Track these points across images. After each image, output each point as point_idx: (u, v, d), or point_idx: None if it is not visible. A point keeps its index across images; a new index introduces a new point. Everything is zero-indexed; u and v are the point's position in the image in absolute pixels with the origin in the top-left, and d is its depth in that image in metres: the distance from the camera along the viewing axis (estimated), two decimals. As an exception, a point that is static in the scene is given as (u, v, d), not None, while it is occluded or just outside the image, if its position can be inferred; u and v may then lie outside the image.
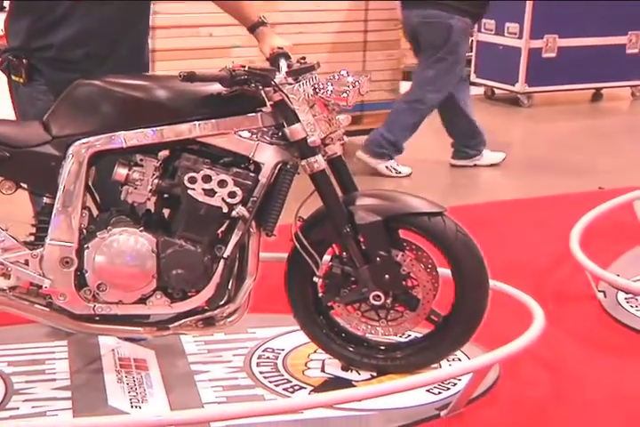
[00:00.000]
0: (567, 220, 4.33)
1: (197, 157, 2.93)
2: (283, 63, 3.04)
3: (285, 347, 3.40)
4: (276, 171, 2.97)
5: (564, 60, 7.61)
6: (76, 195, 2.90)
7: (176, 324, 3.03)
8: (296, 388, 3.13)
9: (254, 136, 2.95)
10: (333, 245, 3.14)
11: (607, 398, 3.11)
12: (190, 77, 2.82)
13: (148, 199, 2.99)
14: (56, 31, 3.12)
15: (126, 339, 3.37)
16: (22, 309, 2.98)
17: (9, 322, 3.38)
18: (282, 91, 2.92)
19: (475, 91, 7.06)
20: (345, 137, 3.09)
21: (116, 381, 3.13)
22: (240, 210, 2.92)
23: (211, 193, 2.91)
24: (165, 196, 2.99)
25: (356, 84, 2.99)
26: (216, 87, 2.91)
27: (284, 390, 3.11)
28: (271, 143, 2.96)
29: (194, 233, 2.95)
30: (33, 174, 2.97)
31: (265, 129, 2.96)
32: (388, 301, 3.10)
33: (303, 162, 2.97)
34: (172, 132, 2.91)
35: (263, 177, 2.95)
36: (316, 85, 2.97)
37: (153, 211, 3.04)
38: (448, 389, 3.12)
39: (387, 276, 3.06)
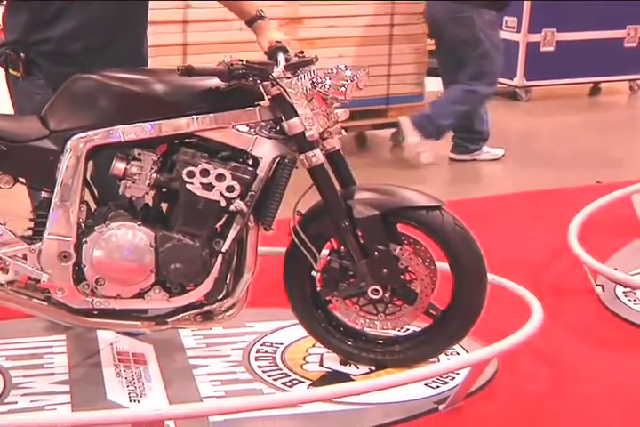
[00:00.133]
0: (565, 214, 4.33)
1: (195, 152, 2.93)
2: (281, 57, 3.04)
3: (284, 341, 3.40)
4: (275, 165, 2.97)
5: (562, 53, 7.61)
6: (74, 189, 2.90)
7: (174, 318, 3.03)
8: (294, 382, 3.13)
9: (252, 130, 2.95)
10: (331, 240, 3.14)
11: (605, 391, 3.11)
12: (188, 71, 2.82)
13: (147, 193, 2.99)
14: (54, 25, 3.12)
15: (125, 333, 3.37)
16: (20, 303, 2.98)
17: (7, 316, 3.38)
18: (280, 85, 2.92)
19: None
20: (343, 131, 3.09)
21: (114, 375, 3.14)
22: (238, 204, 2.92)
23: (209, 187, 2.91)
24: (163, 190, 2.99)
25: (355, 78, 2.99)
26: (214, 81, 2.91)
27: (283, 384, 3.12)
28: (269, 137, 2.96)
29: (192, 227, 2.95)
30: (31, 169, 2.96)
31: (263, 123, 2.96)
32: (387, 295, 3.10)
33: (301, 156, 2.97)
34: (170, 127, 2.91)
35: (261, 171, 2.95)
36: (314, 79, 2.97)
37: (151, 205, 3.04)
38: (446, 383, 3.12)
39: (385, 270, 3.06)
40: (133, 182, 2.94)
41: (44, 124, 2.93)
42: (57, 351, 3.30)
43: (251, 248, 3.00)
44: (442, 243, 3.08)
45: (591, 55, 7.67)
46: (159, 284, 2.98)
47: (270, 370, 3.20)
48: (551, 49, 7.62)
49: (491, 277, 3.19)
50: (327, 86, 2.96)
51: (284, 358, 3.29)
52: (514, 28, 7.59)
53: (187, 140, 2.98)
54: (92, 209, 3.01)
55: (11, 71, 3.22)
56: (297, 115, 2.93)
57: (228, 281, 3.03)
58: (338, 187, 3.09)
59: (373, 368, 3.19)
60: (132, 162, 2.93)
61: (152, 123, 2.90)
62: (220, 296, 3.03)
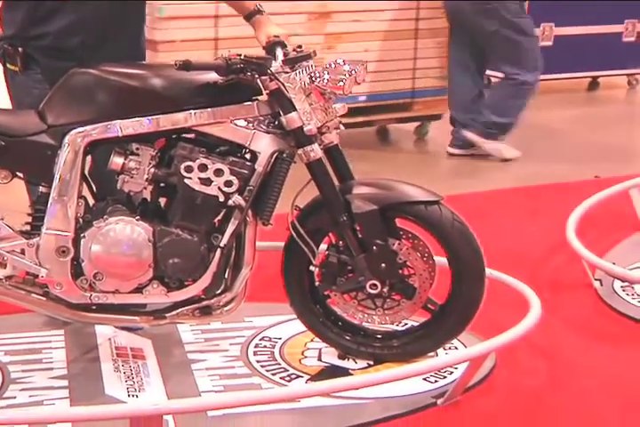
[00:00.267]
0: (564, 208, 4.33)
1: (193, 146, 2.93)
2: (279, 52, 3.03)
3: (282, 336, 3.41)
4: (273, 160, 2.97)
5: (560, 48, 7.59)
6: (71, 184, 2.90)
7: (173, 313, 3.03)
8: (293, 377, 3.13)
9: (250, 125, 2.95)
10: (330, 234, 3.14)
11: (603, 386, 3.12)
12: (186, 66, 2.82)
13: (145, 188, 2.99)
14: (52, 20, 3.12)
15: (123, 328, 3.36)
16: (19, 298, 2.98)
17: (5, 311, 3.38)
18: (278, 79, 2.92)
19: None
20: (341, 126, 3.09)
21: (112, 370, 3.14)
22: (236, 199, 2.92)
23: (207, 182, 2.91)
24: (162, 185, 2.99)
25: (353, 72, 2.99)
26: (212, 76, 2.91)
27: (281, 378, 3.12)
28: (267, 132, 2.95)
29: (190, 222, 2.95)
30: (29, 163, 2.96)
31: (261, 118, 2.96)
32: (385, 289, 3.10)
33: (299, 151, 2.97)
34: (168, 121, 2.91)
35: (259, 166, 2.94)
36: (313, 74, 2.96)
37: (149, 200, 3.04)
38: (445, 377, 3.12)
39: (383, 265, 3.06)
40: (131, 177, 2.93)
41: (41, 119, 2.93)
42: (55, 346, 3.30)
43: (249, 243, 3.00)
44: (440, 237, 3.08)
45: (589, 50, 7.66)
46: (157, 279, 2.98)
47: (269, 365, 3.20)
48: (549, 43, 7.61)
49: (489, 271, 3.19)
50: (325, 81, 2.96)
51: (283, 353, 3.29)
52: (512, 22, 7.57)
53: (185, 135, 2.98)
54: (90, 204, 3.01)
55: (8, 66, 3.22)
56: (295, 109, 2.93)
57: (226, 276, 3.03)
58: (336, 182, 3.09)
59: (372, 363, 3.19)
60: (130, 157, 2.93)
61: (150, 117, 2.90)
62: (219, 291, 3.03)
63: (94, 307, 3.01)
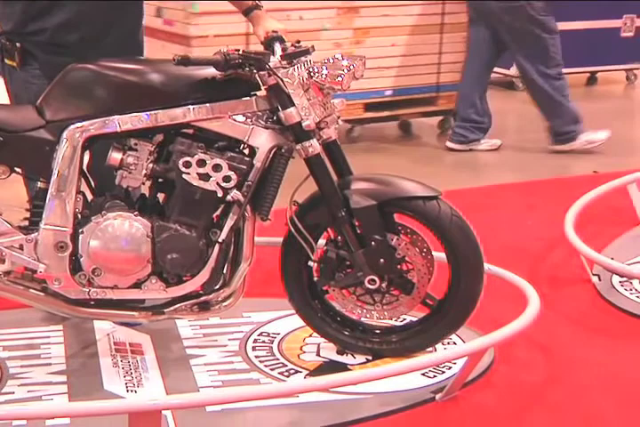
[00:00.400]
0: (562, 203, 4.34)
1: (192, 142, 2.93)
2: (277, 47, 3.03)
3: (281, 331, 3.41)
4: (271, 155, 2.97)
5: (558, 43, 7.59)
6: (70, 179, 2.90)
7: (171, 308, 3.03)
8: (291, 372, 3.14)
9: (249, 120, 2.94)
10: (328, 230, 3.14)
11: (601, 381, 3.12)
12: (184, 61, 2.82)
13: (143, 184, 2.99)
14: (50, 15, 3.11)
15: (122, 323, 3.37)
16: (17, 293, 2.98)
17: (4, 307, 3.38)
18: (276, 74, 2.91)
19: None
20: (340, 121, 3.09)
21: (111, 365, 3.14)
22: (235, 194, 2.92)
23: (205, 177, 2.91)
24: (160, 180, 2.99)
25: (351, 67, 2.98)
26: (210, 71, 2.90)
27: (280, 374, 3.12)
28: (266, 127, 2.95)
29: (189, 217, 2.95)
30: (27, 159, 2.96)
31: (259, 113, 2.95)
32: (384, 285, 3.10)
33: (298, 146, 2.97)
34: (166, 117, 2.90)
35: (258, 161, 2.94)
36: (311, 69, 2.96)
37: (147, 195, 3.04)
38: (443, 372, 3.13)
39: (382, 260, 3.06)
40: (130, 173, 2.93)
41: (40, 115, 2.93)
42: (54, 342, 3.30)
43: (247, 238, 3.00)
44: (439, 233, 3.08)
45: (588, 45, 7.66)
46: (156, 274, 2.98)
47: (267, 360, 3.21)
48: (548, 38, 7.60)
49: (487, 266, 3.20)
50: (324, 76, 2.95)
51: (281, 348, 3.29)
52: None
53: (183, 131, 2.97)
54: (89, 199, 3.01)
55: (6, 61, 3.22)
56: (293, 105, 2.93)
57: (224, 271, 3.03)
58: (334, 177, 3.09)
59: (370, 358, 3.20)
60: (129, 152, 2.93)
61: (148, 113, 2.89)
62: (217, 286, 3.03)
63: (93, 302, 3.00)
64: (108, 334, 3.34)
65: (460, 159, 5.88)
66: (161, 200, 3.05)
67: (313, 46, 3.06)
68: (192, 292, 3.03)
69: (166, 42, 5.63)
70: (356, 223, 3.08)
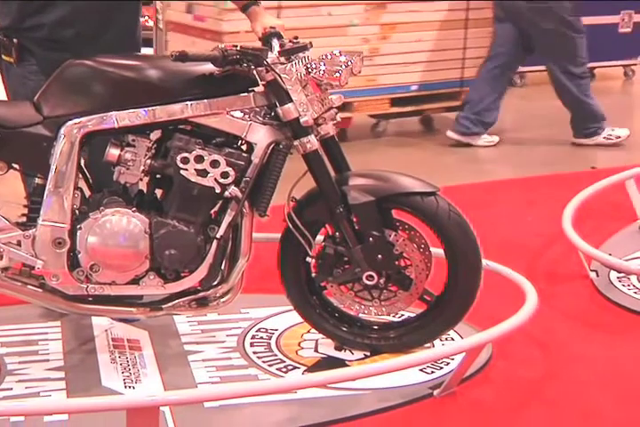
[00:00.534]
0: (560, 199, 4.33)
1: (190, 138, 2.92)
2: (275, 43, 3.03)
3: (279, 327, 3.41)
4: (269, 151, 2.96)
5: (556, 39, 7.58)
6: (68, 175, 2.90)
7: (169, 304, 3.03)
8: (289, 368, 3.14)
9: (247, 116, 2.94)
10: (326, 226, 3.14)
11: (599, 376, 3.12)
12: (182, 57, 2.81)
13: (141, 180, 2.98)
14: (47, 11, 3.11)
15: (120, 319, 3.37)
16: (15, 290, 2.98)
17: (2, 303, 3.38)
18: (274, 70, 2.91)
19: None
20: (338, 117, 3.08)
21: (109, 361, 3.14)
22: (233, 190, 2.92)
23: (203, 173, 2.91)
24: (158, 176, 2.99)
25: (349, 63, 2.98)
26: (208, 67, 2.90)
27: (278, 369, 3.12)
28: (264, 123, 2.95)
29: (187, 213, 2.95)
30: (24, 155, 2.96)
31: (257, 109, 2.95)
32: (381, 281, 3.10)
33: (296, 142, 2.97)
34: (164, 113, 2.90)
35: (256, 157, 2.94)
36: (309, 65, 2.96)
37: (145, 191, 3.04)
38: (441, 368, 3.13)
39: (380, 256, 3.06)
40: (127, 169, 2.93)
41: (37, 110, 2.92)
42: (52, 338, 3.30)
43: (245, 234, 3.00)
44: (437, 229, 3.08)
45: (585, 41, 7.65)
46: (154, 270, 2.97)
47: (265, 356, 3.21)
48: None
49: (485, 262, 3.20)
50: (322, 72, 2.95)
51: (279, 344, 3.29)
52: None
53: (181, 127, 2.97)
54: (87, 195, 3.01)
55: (4, 57, 3.21)
56: (291, 100, 2.93)
57: (222, 267, 3.03)
58: (332, 173, 3.09)
59: (368, 354, 3.20)
60: (127, 148, 2.92)
61: (146, 109, 2.89)
62: (215, 282, 3.03)
63: (91, 298, 3.00)
64: (105, 331, 3.34)
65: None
66: (159, 196, 3.04)
67: (311, 42, 3.05)
68: (190, 288, 3.02)
69: (197, 38, 5.65)
70: (354, 219, 3.08)
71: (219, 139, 2.96)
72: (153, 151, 2.95)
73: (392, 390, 2.99)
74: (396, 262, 3.10)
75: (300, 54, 2.98)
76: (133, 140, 2.93)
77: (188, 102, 2.90)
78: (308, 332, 3.32)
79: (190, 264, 2.97)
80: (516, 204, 4.81)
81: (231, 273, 3.02)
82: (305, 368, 3.13)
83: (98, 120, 2.88)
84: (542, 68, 7.80)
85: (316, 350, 3.24)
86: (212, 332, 3.37)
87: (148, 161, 2.93)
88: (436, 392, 2.98)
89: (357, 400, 2.95)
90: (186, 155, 2.90)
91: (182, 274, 3.00)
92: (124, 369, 3.09)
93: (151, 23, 6.59)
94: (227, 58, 2.84)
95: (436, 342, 3.23)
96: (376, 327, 3.24)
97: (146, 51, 4.02)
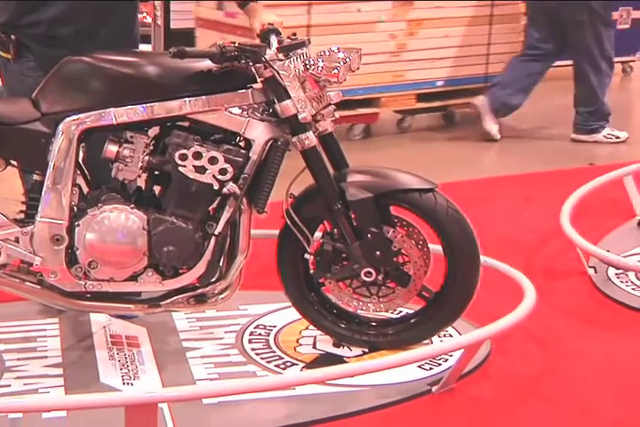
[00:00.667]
0: (558, 196, 4.34)
1: (188, 134, 2.92)
2: (273, 39, 3.03)
3: (277, 324, 3.41)
4: (267, 147, 2.96)
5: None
6: (66, 172, 2.89)
7: (167, 301, 3.03)
8: (288, 364, 3.14)
9: (245, 113, 2.94)
10: (324, 222, 3.14)
11: (597, 372, 3.12)
12: (180, 54, 2.81)
13: (139, 176, 2.98)
14: (45, 8, 3.11)
15: (118, 316, 3.37)
16: (13, 286, 2.98)
17: (0, 299, 3.38)
18: (272, 67, 2.91)
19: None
20: (336, 113, 3.08)
21: (107, 358, 3.14)
22: (231, 187, 2.92)
23: (201, 170, 2.91)
24: (156, 173, 2.99)
25: (347, 59, 2.98)
26: (206, 64, 2.90)
27: (276, 366, 3.12)
28: (262, 120, 2.95)
29: (185, 210, 2.95)
30: (22, 151, 2.95)
31: (256, 105, 2.95)
32: (380, 277, 3.10)
33: (294, 138, 2.97)
34: (162, 109, 2.90)
35: (254, 154, 2.94)
36: (307, 61, 2.96)
37: (144, 188, 3.04)
38: (439, 364, 3.13)
39: (378, 252, 3.06)
40: (126, 165, 2.93)
41: (35, 107, 2.92)
42: (50, 334, 3.30)
43: (244, 231, 3.00)
44: (435, 225, 3.08)
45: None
46: (152, 267, 2.97)
47: (263, 352, 3.21)
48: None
49: (483, 259, 3.19)
50: (320, 68, 2.95)
51: (278, 341, 3.29)
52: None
53: (179, 123, 2.97)
54: (85, 192, 3.01)
55: (1, 53, 3.21)
56: (289, 97, 2.93)
57: (221, 264, 3.03)
58: (331, 169, 3.09)
59: (366, 350, 3.20)
60: (125, 145, 2.92)
61: (144, 105, 2.89)
62: (214, 279, 3.03)
63: (89, 295, 3.00)
64: (104, 327, 3.34)
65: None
66: (157, 193, 3.04)
67: (309, 39, 3.05)
68: (188, 284, 3.02)
69: (228, 34, 5.66)
70: (353, 216, 3.07)
71: (217, 135, 2.96)
72: (151, 148, 2.94)
73: (390, 387, 2.99)
74: (395, 259, 3.10)
75: (299, 51, 2.98)
76: (132, 137, 2.93)
77: (187, 99, 2.90)
78: (307, 328, 3.32)
79: (189, 261, 2.97)
80: (514, 200, 4.81)
81: (229, 270, 3.02)
82: (303, 365, 3.13)
83: (96, 117, 2.88)
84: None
85: (314, 347, 3.24)
86: (210, 328, 3.37)
87: (147, 158, 2.93)
88: (434, 389, 2.98)
89: (356, 397, 2.95)
90: (184, 151, 2.90)
91: (180, 271, 3.00)
92: (123, 366, 3.09)
93: (149, 20, 6.59)
94: (225, 54, 2.84)
95: (435, 338, 3.23)
96: (374, 324, 3.24)
97: (144, 47, 4.02)
